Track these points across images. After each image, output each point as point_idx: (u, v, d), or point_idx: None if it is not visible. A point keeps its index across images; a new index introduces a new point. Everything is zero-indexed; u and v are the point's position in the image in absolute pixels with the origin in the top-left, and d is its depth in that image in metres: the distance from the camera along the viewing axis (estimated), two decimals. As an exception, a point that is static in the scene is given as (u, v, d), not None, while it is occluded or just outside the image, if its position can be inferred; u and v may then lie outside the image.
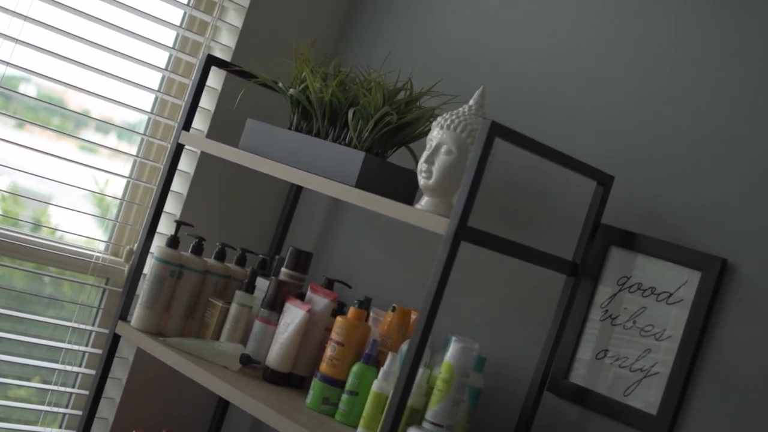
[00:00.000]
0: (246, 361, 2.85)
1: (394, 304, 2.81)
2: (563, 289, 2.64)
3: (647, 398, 2.55)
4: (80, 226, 3.24)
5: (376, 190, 2.72)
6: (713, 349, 2.47)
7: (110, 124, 3.17)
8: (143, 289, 3.04)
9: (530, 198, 2.89)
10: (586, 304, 2.70)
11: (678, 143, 2.63)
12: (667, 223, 2.61)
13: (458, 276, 3.00)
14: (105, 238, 3.30)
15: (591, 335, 2.68)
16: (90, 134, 3.19)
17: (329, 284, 3.03)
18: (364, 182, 2.67)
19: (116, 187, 3.30)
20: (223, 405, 3.46)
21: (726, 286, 2.48)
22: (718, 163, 2.55)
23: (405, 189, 2.80)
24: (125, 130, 3.23)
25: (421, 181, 2.54)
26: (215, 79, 3.35)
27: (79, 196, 3.22)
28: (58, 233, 3.20)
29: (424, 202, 2.55)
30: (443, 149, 2.52)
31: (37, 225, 3.16)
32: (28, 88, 3.05)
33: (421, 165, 2.54)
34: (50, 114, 3.12)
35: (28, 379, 3.24)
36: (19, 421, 3.26)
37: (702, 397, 2.46)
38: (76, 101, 3.17)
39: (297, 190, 3.47)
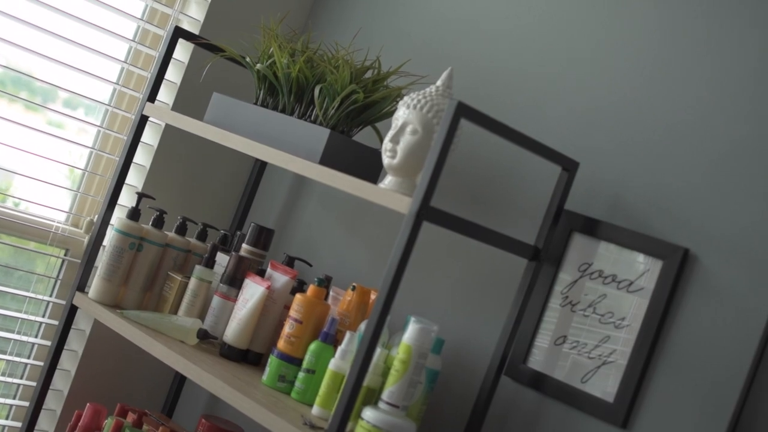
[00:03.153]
0: (203, 336, 2.83)
1: (354, 284, 2.79)
2: (524, 274, 2.63)
3: (604, 386, 2.54)
4: (43, 198, 3.20)
5: (341, 167, 2.70)
6: (672, 339, 2.47)
7: (75, 93, 3.13)
8: (102, 260, 3.01)
9: (495, 182, 2.88)
10: (547, 290, 2.70)
11: (644, 132, 2.62)
12: (630, 211, 2.60)
13: (420, 257, 2.99)
14: (66, 209, 3.27)
15: (550, 321, 2.68)
16: (58, 109, 3.16)
17: (290, 262, 3.02)
18: (328, 159, 2.66)
19: (79, 159, 3.26)
20: (180, 380, 3.44)
21: (687, 276, 2.48)
22: (683, 153, 2.54)
23: (369, 168, 2.79)
24: (90, 102, 3.19)
25: (386, 160, 2.53)
26: (182, 52, 3.32)
27: (45, 169, 3.18)
28: (22, 205, 3.17)
29: (387, 181, 2.53)
30: (409, 129, 2.51)
31: (-4, 192, 3.12)
32: (-8, 54, 3.02)
33: (386, 144, 2.53)
34: (18, 89, 3.08)
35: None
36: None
37: (659, 385, 2.46)
38: (43, 77, 3.12)
39: (261, 167, 3.44)
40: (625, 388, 2.50)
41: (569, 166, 2.61)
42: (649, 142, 2.61)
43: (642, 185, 2.60)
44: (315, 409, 2.55)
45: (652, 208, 2.57)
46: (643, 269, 2.55)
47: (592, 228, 2.64)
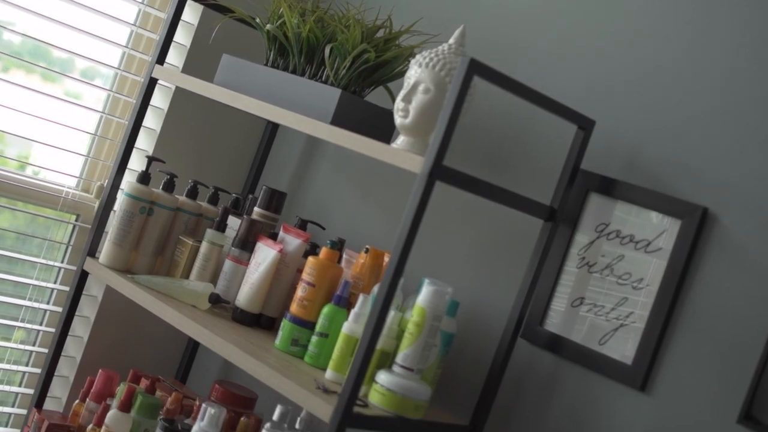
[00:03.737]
0: (215, 300, 2.80)
1: (367, 246, 2.75)
2: (540, 235, 2.59)
3: (622, 348, 2.51)
4: (54, 165, 3.17)
5: (352, 128, 2.66)
6: (691, 300, 2.42)
7: (82, 56, 3.10)
8: (112, 225, 2.98)
9: (509, 141, 2.83)
10: (563, 251, 2.65)
11: (661, 90, 2.57)
12: (647, 170, 2.56)
13: (434, 220, 2.95)
14: (77, 174, 3.24)
15: (567, 283, 2.64)
16: (74, 82, 3.12)
17: (302, 225, 2.98)
18: (339, 120, 2.61)
19: (89, 124, 3.23)
20: (194, 346, 3.41)
21: (706, 235, 2.43)
22: (701, 110, 2.50)
23: (382, 128, 2.75)
24: (102, 68, 3.15)
25: (398, 119, 2.48)
26: (191, 13, 3.28)
27: (56, 136, 3.14)
28: (34, 172, 3.14)
29: (400, 141, 2.49)
30: (421, 87, 2.46)
31: (5, 158, 3.08)
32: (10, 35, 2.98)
33: (398, 104, 2.48)
34: (35, 59, 3.05)
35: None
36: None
37: (678, 348, 2.42)
38: (58, 51, 3.09)
39: (273, 129, 3.40)
40: (643, 351, 2.46)
41: (585, 125, 2.56)
42: (666, 99, 2.56)
43: (659, 143, 2.55)
44: (328, 373, 2.52)
45: (669, 166, 2.52)
46: (661, 229, 2.50)
47: (609, 187, 2.59)
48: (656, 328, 2.45)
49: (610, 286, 2.56)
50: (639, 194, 2.54)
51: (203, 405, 2.60)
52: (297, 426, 2.52)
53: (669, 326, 2.45)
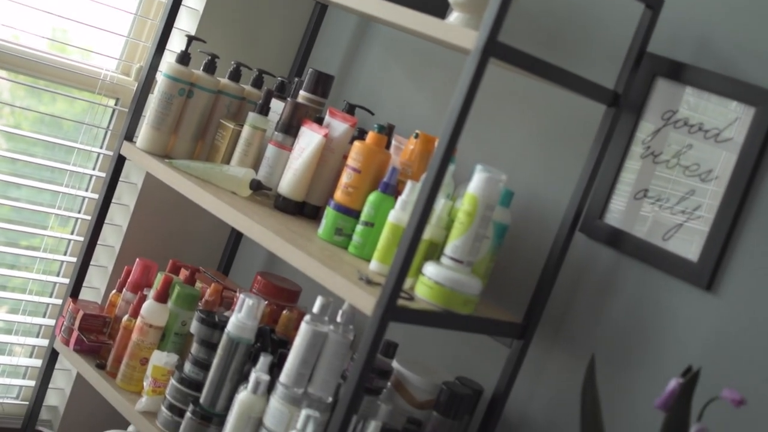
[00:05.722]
0: (256, 187, 2.67)
1: (417, 131, 2.60)
2: (602, 122, 2.46)
3: (688, 244, 2.38)
4: (94, 46, 3.05)
5: (404, 3, 2.51)
6: (763, 193, 2.29)
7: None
8: (150, 108, 2.84)
9: (571, 21, 2.69)
10: (627, 140, 2.51)
11: (738, -36, 2.40)
12: (720, 54, 2.40)
13: (490, 107, 2.80)
14: (116, 56, 3.10)
15: (630, 173, 2.49)
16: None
17: (350, 109, 2.85)
18: (390, -5, 2.47)
19: (131, 3, 3.09)
20: (236, 237, 3.30)
21: (782, 124, 2.28)
22: (782, -14, 2.33)
23: (434, 5, 2.59)
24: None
25: (452, -6, 2.32)
26: None
27: (98, 17, 3.01)
28: (73, 55, 3.02)
29: (453, 17, 2.35)
30: (477, -41, 2.30)
31: (43, 38, 2.96)
32: None
33: (452, -23, 2.32)
34: None
35: (31, 203, 3.09)
36: (18, 245, 3.11)
37: (748, 245, 2.30)
38: None
39: (321, 10, 3.25)
40: (710, 247, 2.33)
41: (653, 4, 2.42)
42: (743, -25, 2.38)
43: (733, 24, 2.39)
44: (373, 264, 2.39)
45: (744, 49, 2.37)
46: (733, 117, 2.36)
47: (678, 72, 2.44)
48: (725, 223, 2.31)
49: (677, 178, 2.41)
50: (710, 79, 2.39)
51: (241, 296, 2.48)
52: (338, 319, 2.39)
53: (738, 221, 2.32)
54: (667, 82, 2.47)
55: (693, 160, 2.40)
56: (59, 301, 3.17)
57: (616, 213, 2.51)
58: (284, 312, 2.76)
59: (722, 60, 2.40)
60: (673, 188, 2.42)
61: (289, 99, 2.76)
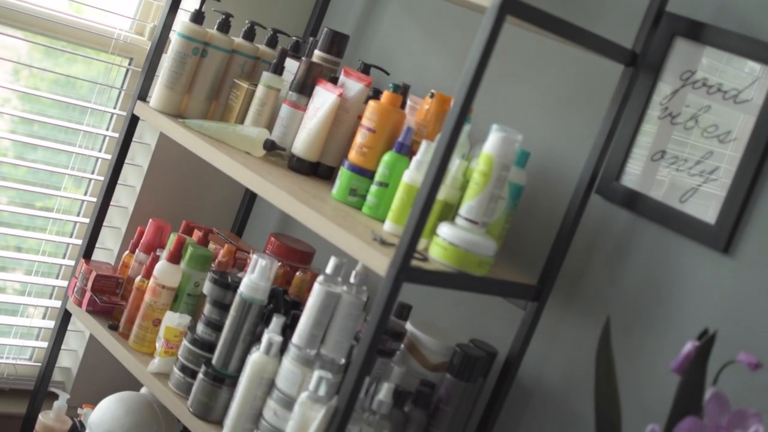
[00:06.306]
0: (270, 147, 2.64)
1: (432, 90, 2.57)
2: (619, 82, 2.42)
3: (706, 206, 2.35)
4: (107, 5, 3.02)
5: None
6: (783, 154, 2.24)
7: None
8: (164, 67, 2.81)
9: (589, -19, 2.63)
10: (644, 100, 2.47)
11: None
12: (740, 13, 2.37)
13: (506, 66, 2.77)
14: (130, 15, 3.08)
15: (647, 135, 2.46)
16: None
17: (365, 69, 2.82)
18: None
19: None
20: (250, 198, 3.28)
21: (803, 84, 2.24)
22: (804, -56, 2.28)
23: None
24: None
25: (468, -49, 2.29)
26: None
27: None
28: (86, 13, 2.99)
29: (469, -25, 2.30)
30: None
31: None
32: None
33: (469, -67, 2.28)
34: None
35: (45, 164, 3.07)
36: (33, 207, 3.10)
37: (766, 207, 2.26)
38: None
39: (337, -31, 3.21)
40: (728, 209, 2.30)
41: (673, -39, 2.36)
42: (765, -67, 2.34)
43: (755, -17, 2.34)
44: (387, 225, 2.36)
45: (765, 9, 2.33)
46: (752, 78, 2.33)
47: (697, 32, 2.41)
48: (743, 185, 2.28)
49: (695, 139, 2.38)
50: (730, 39, 2.35)
51: (254, 256, 2.46)
52: (351, 280, 2.37)
53: (757, 184, 2.29)
54: (686, 41, 2.44)
55: (711, 121, 2.37)
56: (72, 262, 3.16)
57: (633, 175, 2.48)
58: (297, 273, 2.74)
59: (742, 20, 2.36)
60: (691, 150, 2.39)
61: (303, 58, 2.73)
